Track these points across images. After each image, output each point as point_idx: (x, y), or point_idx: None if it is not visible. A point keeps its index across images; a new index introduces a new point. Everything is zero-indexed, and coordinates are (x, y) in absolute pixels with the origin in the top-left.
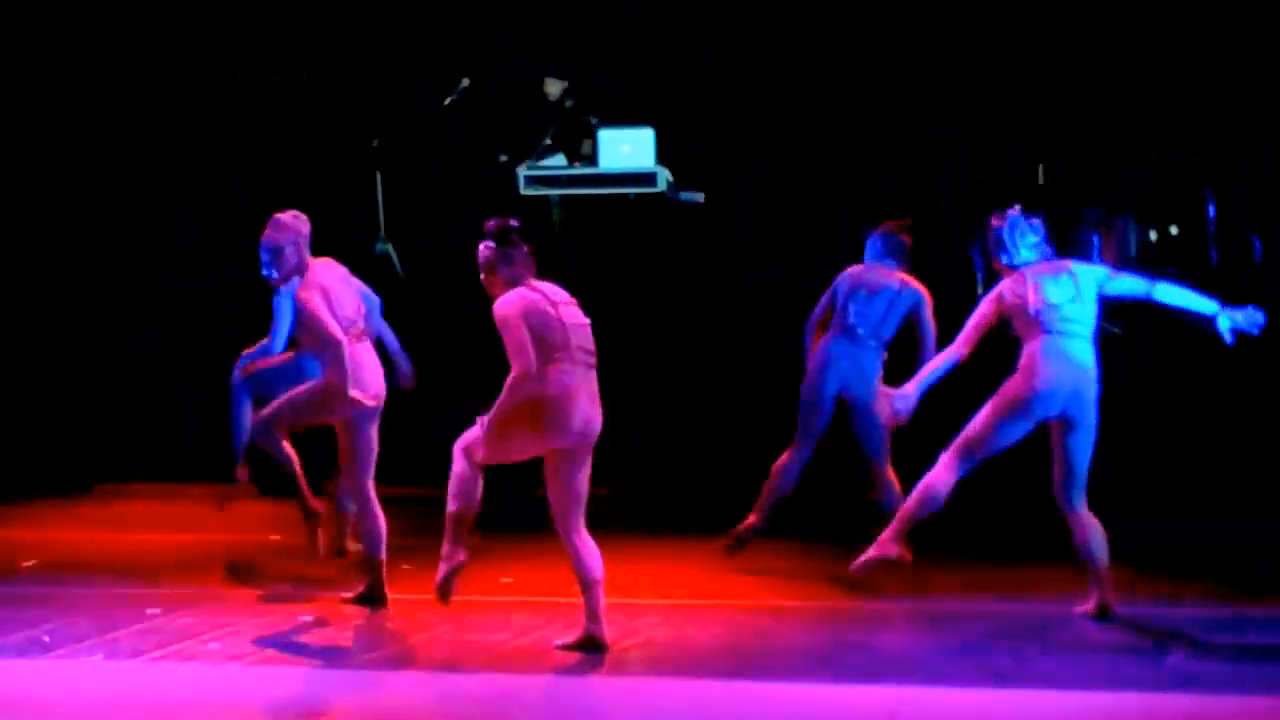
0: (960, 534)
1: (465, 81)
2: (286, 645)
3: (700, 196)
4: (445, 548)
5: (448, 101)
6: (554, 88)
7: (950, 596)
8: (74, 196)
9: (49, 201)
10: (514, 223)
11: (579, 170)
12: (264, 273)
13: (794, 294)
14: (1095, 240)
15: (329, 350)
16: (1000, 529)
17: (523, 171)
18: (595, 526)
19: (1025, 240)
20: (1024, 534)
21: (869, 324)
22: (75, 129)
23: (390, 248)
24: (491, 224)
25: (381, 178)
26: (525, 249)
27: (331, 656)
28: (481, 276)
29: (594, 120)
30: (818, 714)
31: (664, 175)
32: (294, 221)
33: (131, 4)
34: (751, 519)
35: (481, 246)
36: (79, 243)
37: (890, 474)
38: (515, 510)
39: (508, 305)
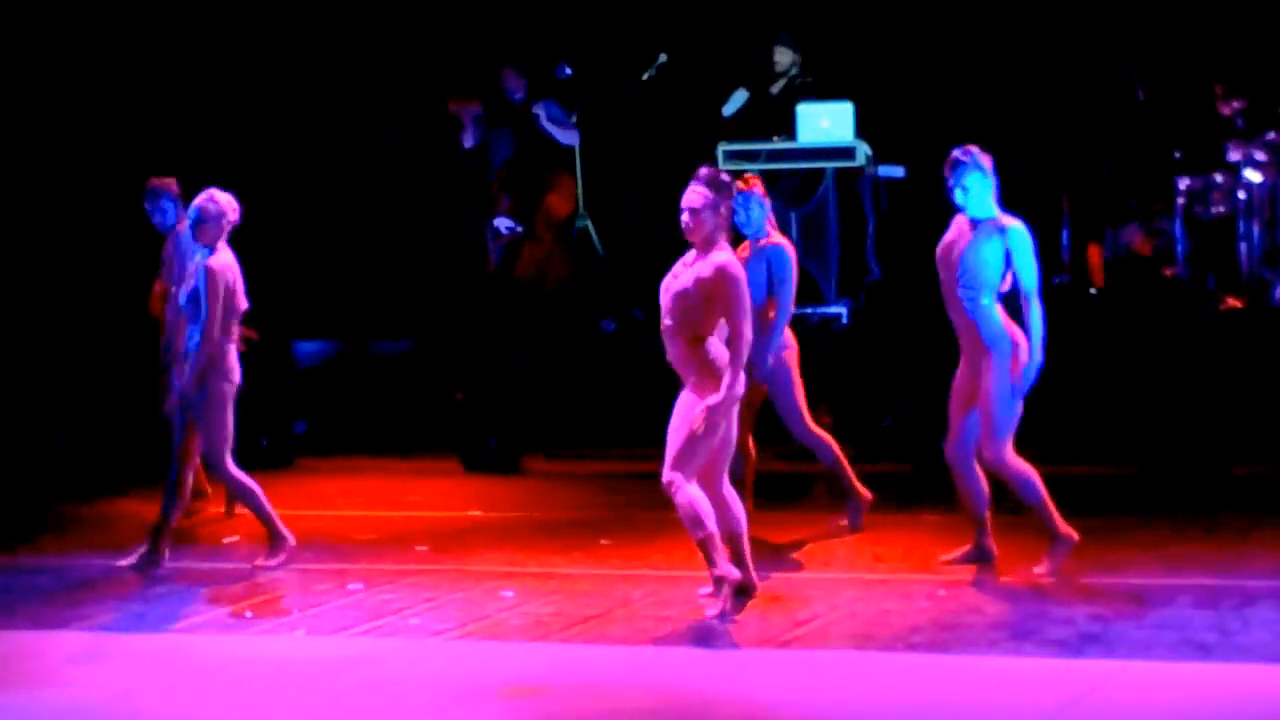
0: (1160, 510)
1: (663, 57)
2: (489, 620)
3: (901, 170)
4: (717, 570)
5: (645, 77)
6: (784, 57)
7: (1151, 571)
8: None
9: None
10: (728, 178)
11: (778, 145)
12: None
13: None
14: None
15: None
16: (1203, 504)
17: (723, 147)
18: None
19: None
20: (1224, 507)
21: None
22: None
23: (590, 224)
24: (707, 170)
25: (581, 156)
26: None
27: (535, 631)
28: (683, 220)
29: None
30: (1019, 687)
31: (863, 149)
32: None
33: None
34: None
35: (690, 190)
36: None
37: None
38: None
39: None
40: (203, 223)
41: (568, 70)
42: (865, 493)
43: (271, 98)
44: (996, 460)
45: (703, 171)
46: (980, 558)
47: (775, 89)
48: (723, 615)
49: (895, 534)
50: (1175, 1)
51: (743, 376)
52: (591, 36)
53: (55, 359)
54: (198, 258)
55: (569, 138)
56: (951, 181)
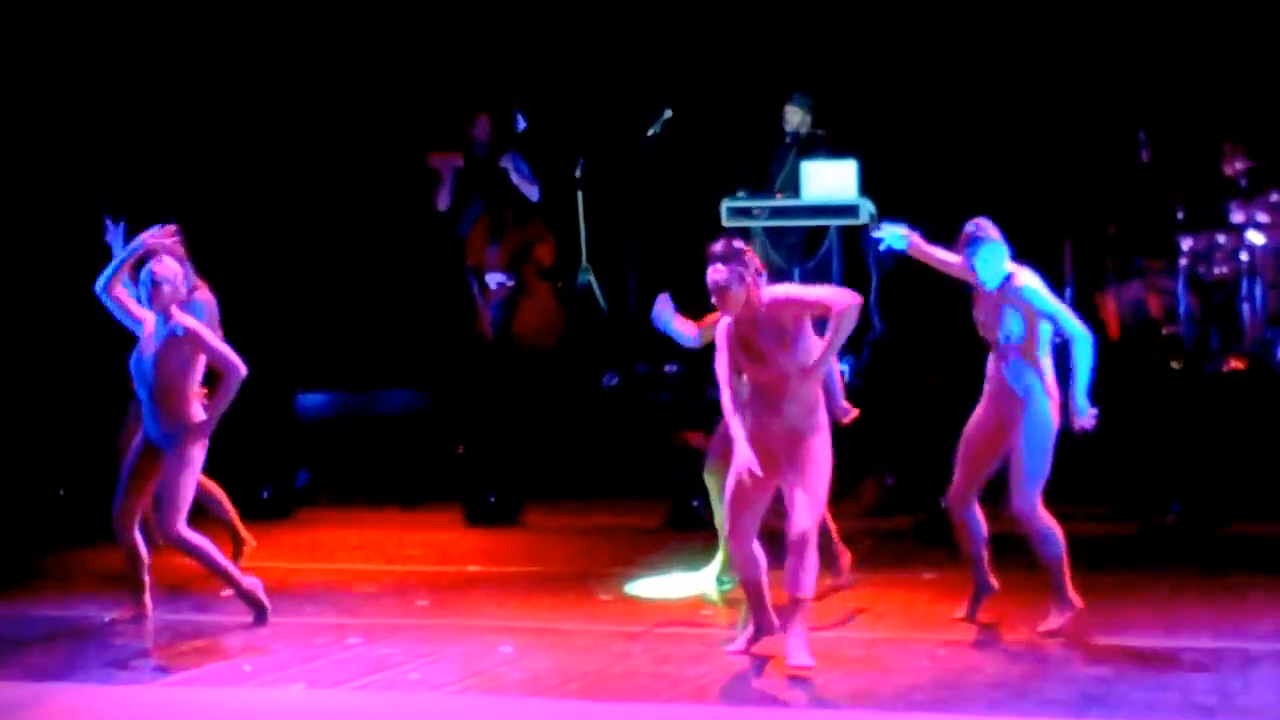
0: (1162, 571)
1: (668, 113)
2: (487, 674)
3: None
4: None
5: (650, 133)
6: (795, 117)
7: (1152, 632)
8: None
9: None
10: (739, 243)
11: (782, 202)
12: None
13: None
14: None
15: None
16: (1204, 566)
17: (726, 203)
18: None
19: None
20: (1223, 567)
21: None
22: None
23: (593, 278)
24: (719, 247)
25: (584, 208)
26: (756, 266)
27: (533, 686)
28: (715, 300)
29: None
30: None
31: (866, 207)
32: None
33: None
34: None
35: (712, 270)
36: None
37: None
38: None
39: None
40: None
41: (523, 124)
42: (846, 552)
43: (276, 154)
44: (1028, 511)
45: (715, 249)
46: (983, 591)
47: (788, 143)
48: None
49: (895, 592)
50: (1181, 64)
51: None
52: (597, 93)
53: (56, 386)
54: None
55: (531, 192)
56: (967, 256)
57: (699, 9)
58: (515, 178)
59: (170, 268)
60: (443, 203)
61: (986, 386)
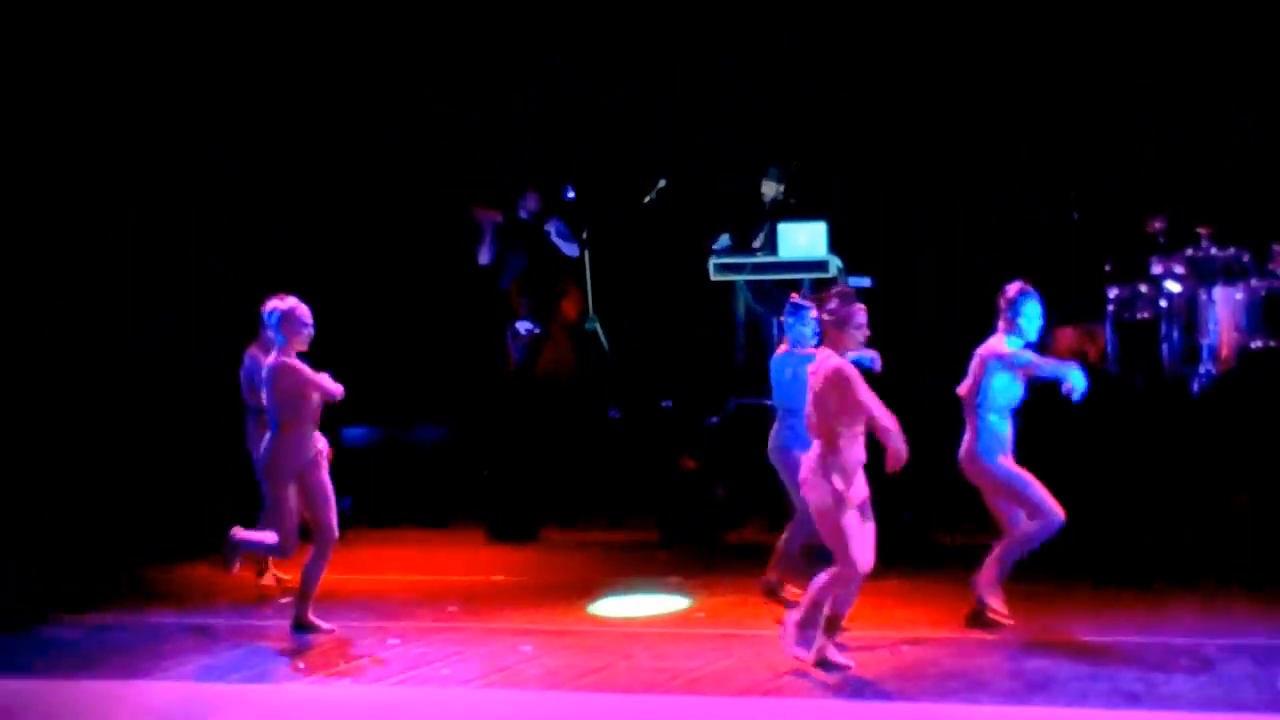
0: (1094, 576)
1: (662, 182)
2: (509, 670)
3: (868, 281)
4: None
5: (646, 200)
6: (770, 188)
7: (1087, 630)
8: None
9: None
10: (849, 289)
11: (762, 259)
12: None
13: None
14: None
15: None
16: (1130, 572)
17: (714, 260)
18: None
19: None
20: (1148, 575)
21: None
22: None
23: (599, 326)
24: (835, 294)
25: (590, 264)
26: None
27: (549, 681)
28: (826, 340)
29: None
30: None
31: (835, 262)
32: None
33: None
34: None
35: (827, 314)
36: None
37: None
38: (705, 555)
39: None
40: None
41: (571, 193)
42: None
43: (325, 204)
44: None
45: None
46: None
47: (765, 209)
48: None
49: (862, 596)
50: (1109, 137)
51: None
52: (601, 164)
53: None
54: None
55: (572, 250)
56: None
57: (684, 82)
58: (556, 239)
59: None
60: (484, 258)
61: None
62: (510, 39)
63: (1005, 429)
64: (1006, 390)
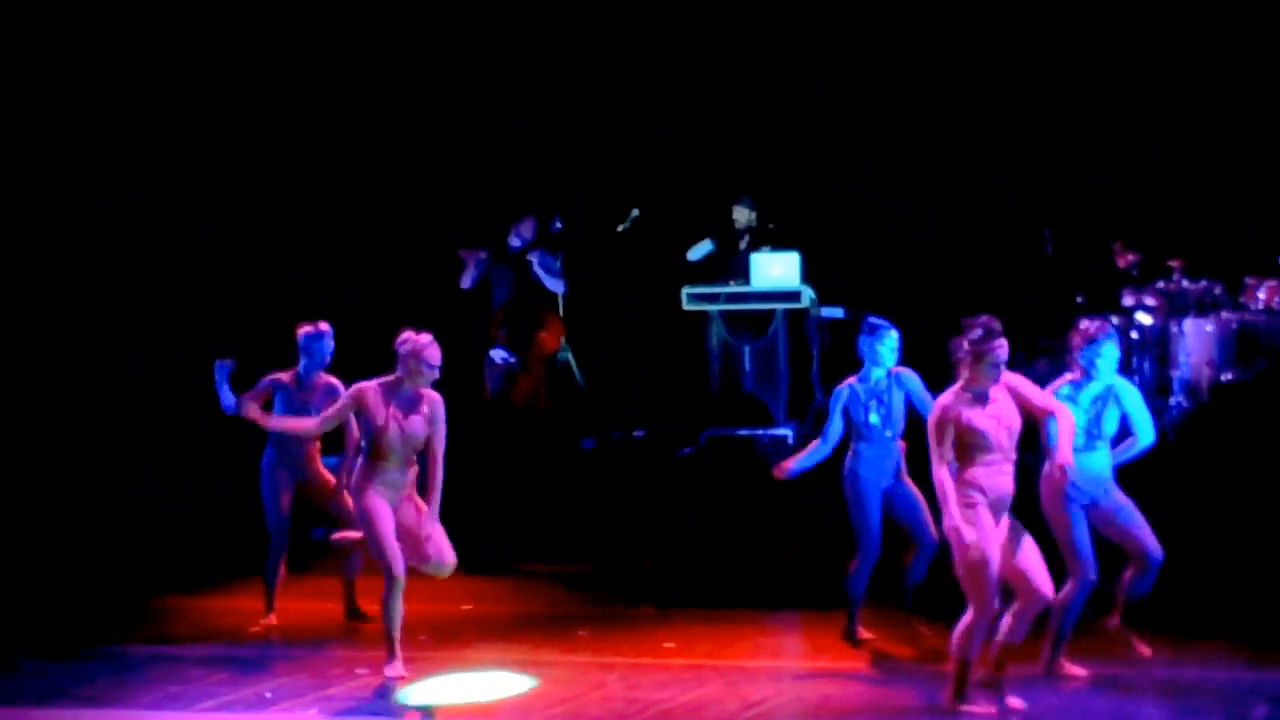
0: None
1: (635, 212)
2: (477, 698)
3: (841, 311)
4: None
5: (620, 229)
6: (742, 216)
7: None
8: None
9: None
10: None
11: (735, 289)
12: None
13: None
14: None
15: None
16: None
17: (686, 290)
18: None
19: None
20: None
21: (889, 421)
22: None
23: (572, 358)
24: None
25: (564, 297)
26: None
27: (520, 711)
28: (961, 370)
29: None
30: None
31: (808, 293)
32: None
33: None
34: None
35: (969, 343)
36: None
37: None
38: (673, 584)
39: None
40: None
41: (559, 225)
42: None
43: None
44: None
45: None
46: None
47: (741, 243)
48: None
49: (835, 627)
50: (1082, 169)
51: None
52: (575, 194)
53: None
54: None
55: (556, 285)
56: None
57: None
58: (540, 272)
59: None
60: (466, 282)
61: None
62: (488, 69)
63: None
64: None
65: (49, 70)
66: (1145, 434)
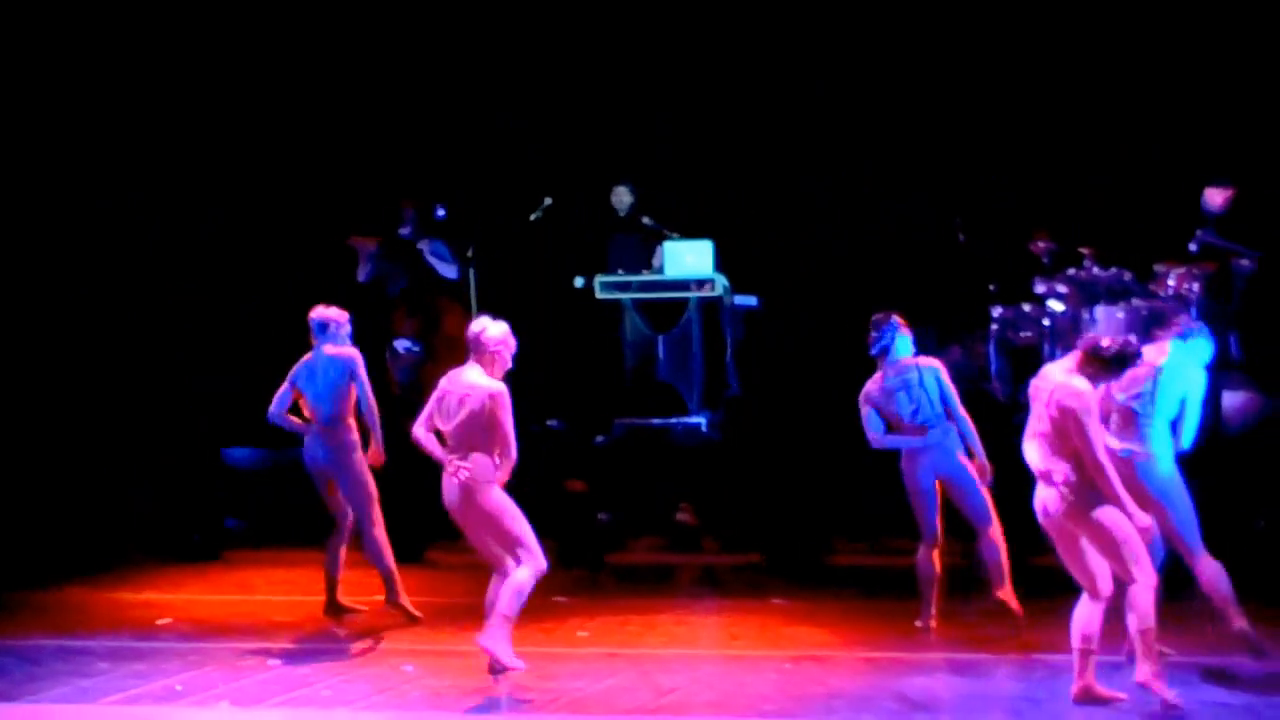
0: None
1: (548, 200)
2: (392, 692)
3: (754, 300)
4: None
5: (532, 218)
6: (623, 200)
7: (970, 649)
8: None
9: None
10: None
11: (648, 277)
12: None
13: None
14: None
15: None
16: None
17: (599, 279)
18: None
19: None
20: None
21: (929, 410)
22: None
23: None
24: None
25: (476, 283)
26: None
27: (433, 701)
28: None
29: (668, 234)
30: None
31: (721, 281)
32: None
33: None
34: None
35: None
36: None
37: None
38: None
39: None
40: None
41: (442, 213)
42: None
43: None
44: None
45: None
46: None
47: (638, 225)
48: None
49: (749, 616)
50: (994, 158)
51: None
52: (487, 183)
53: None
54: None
55: (449, 271)
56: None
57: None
58: (432, 259)
59: None
60: (362, 276)
61: None
62: (394, 59)
63: None
64: None
65: (49, 70)
66: None
